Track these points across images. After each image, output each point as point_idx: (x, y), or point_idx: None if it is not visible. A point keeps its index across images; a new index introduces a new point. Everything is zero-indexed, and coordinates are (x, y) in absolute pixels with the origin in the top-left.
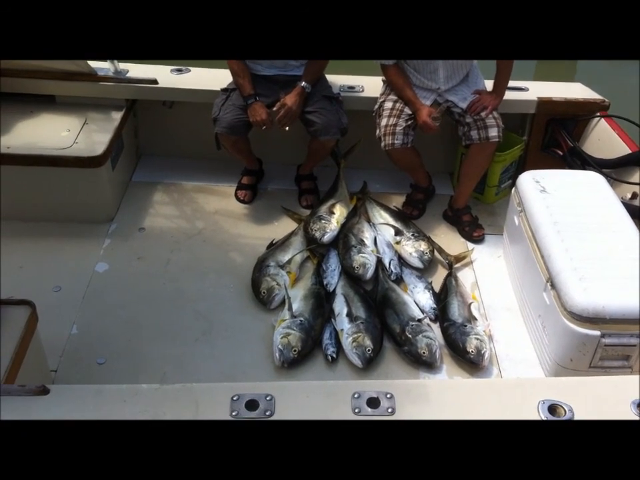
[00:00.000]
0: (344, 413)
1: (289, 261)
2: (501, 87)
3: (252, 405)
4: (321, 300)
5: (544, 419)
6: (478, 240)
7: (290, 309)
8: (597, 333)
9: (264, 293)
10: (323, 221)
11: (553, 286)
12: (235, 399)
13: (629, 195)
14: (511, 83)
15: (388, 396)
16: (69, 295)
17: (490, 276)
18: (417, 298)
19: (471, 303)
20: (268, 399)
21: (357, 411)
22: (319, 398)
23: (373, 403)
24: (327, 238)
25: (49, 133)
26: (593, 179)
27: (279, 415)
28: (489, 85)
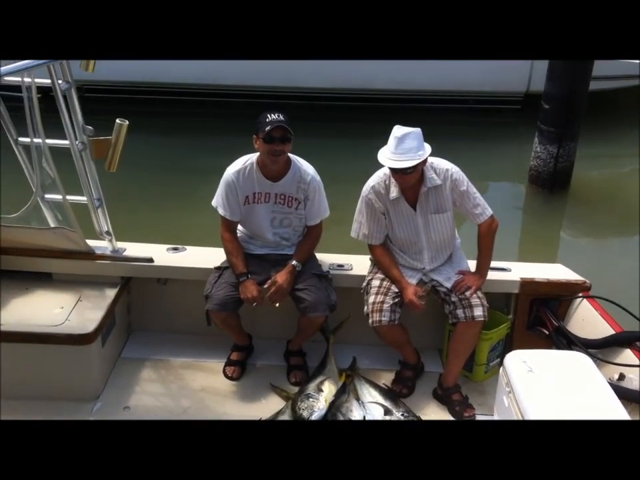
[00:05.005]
0: None
1: None
2: (483, 267)
3: None
4: None
5: None
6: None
7: None
8: None
9: None
10: (311, 399)
11: None
12: None
13: (616, 376)
14: (494, 264)
15: None
16: None
17: None
18: None
19: None
20: None
21: None
22: None
23: None
24: (314, 417)
25: (42, 309)
26: (579, 360)
27: None
28: (472, 264)
